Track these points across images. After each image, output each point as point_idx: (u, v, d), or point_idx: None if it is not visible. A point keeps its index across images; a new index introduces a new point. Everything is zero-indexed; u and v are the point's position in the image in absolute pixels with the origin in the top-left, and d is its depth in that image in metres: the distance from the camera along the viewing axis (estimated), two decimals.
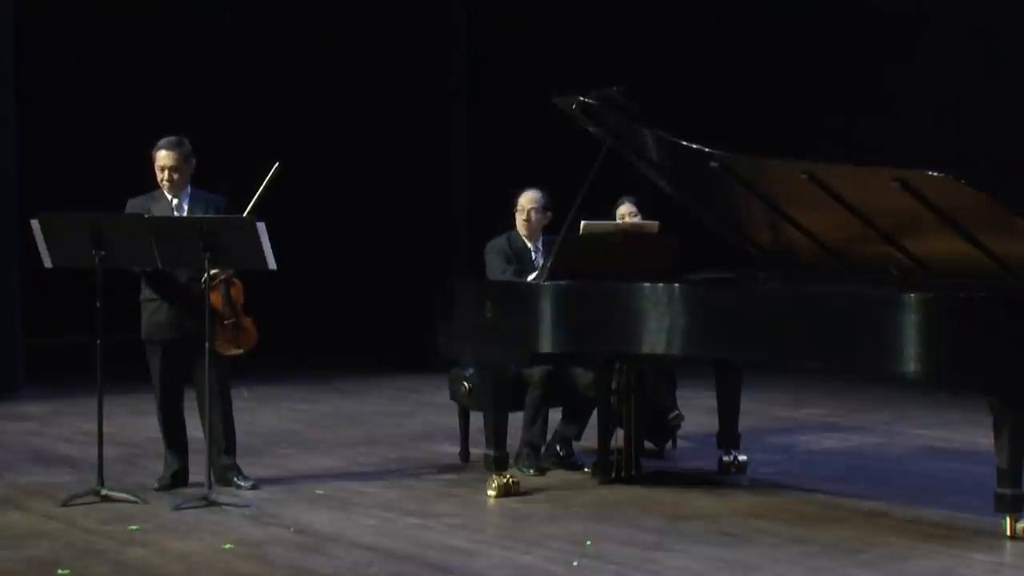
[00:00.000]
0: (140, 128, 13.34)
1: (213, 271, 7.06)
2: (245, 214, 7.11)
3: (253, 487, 7.37)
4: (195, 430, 7.51)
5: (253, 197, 7.19)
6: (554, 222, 7.89)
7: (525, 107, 13.41)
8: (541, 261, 7.93)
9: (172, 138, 7.41)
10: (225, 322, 7.26)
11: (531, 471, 7.71)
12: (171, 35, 13.45)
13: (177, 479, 7.43)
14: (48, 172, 12.49)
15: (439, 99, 12.99)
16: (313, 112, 14.42)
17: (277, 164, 7.17)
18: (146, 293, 7.39)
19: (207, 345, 7.02)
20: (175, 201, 7.34)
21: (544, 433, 7.96)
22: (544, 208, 8.02)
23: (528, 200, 8.01)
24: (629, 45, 13.97)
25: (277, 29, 14.35)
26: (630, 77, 9.63)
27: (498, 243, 8.02)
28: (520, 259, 7.97)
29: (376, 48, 13.54)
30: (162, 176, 7.33)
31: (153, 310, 7.36)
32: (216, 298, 7.19)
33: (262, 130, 13.45)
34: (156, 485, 7.37)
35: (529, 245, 8.00)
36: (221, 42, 13.65)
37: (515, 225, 8.05)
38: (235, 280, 7.33)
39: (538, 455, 7.86)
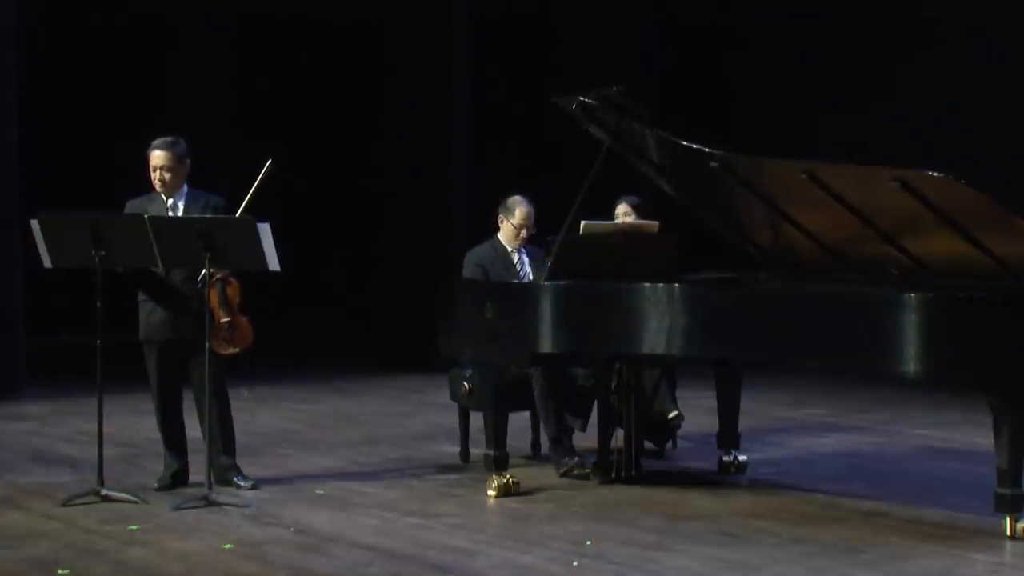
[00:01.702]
0: (141, 128, 13.38)
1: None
2: (239, 212, 7.10)
3: (253, 487, 7.37)
4: (194, 430, 7.51)
5: (247, 195, 7.19)
6: (554, 222, 7.88)
7: (525, 107, 13.42)
8: (526, 262, 7.95)
9: (167, 138, 7.39)
10: (221, 321, 7.25)
11: (562, 469, 7.65)
12: (171, 35, 13.47)
13: (177, 479, 7.43)
14: (48, 172, 12.50)
15: (439, 99, 12.98)
16: (313, 112, 14.43)
17: (270, 161, 7.17)
18: (141, 294, 7.39)
19: (206, 344, 7.03)
20: (170, 201, 7.34)
21: (563, 424, 7.84)
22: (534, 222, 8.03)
23: (527, 216, 7.94)
24: (629, 45, 13.97)
25: (277, 29, 14.36)
26: (630, 77, 9.63)
27: (477, 253, 8.01)
28: (505, 264, 7.94)
29: (376, 48, 13.53)
30: (155, 176, 7.32)
31: (149, 310, 7.36)
32: (212, 297, 7.18)
33: (262, 130, 13.46)
34: (156, 485, 7.37)
35: (510, 249, 7.99)
36: (221, 42, 13.66)
37: (499, 230, 8.03)
38: (231, 279, 7.33)
39: (564, 447, 7.79)
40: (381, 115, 13.51)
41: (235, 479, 7.41)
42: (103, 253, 6.98)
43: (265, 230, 6.87)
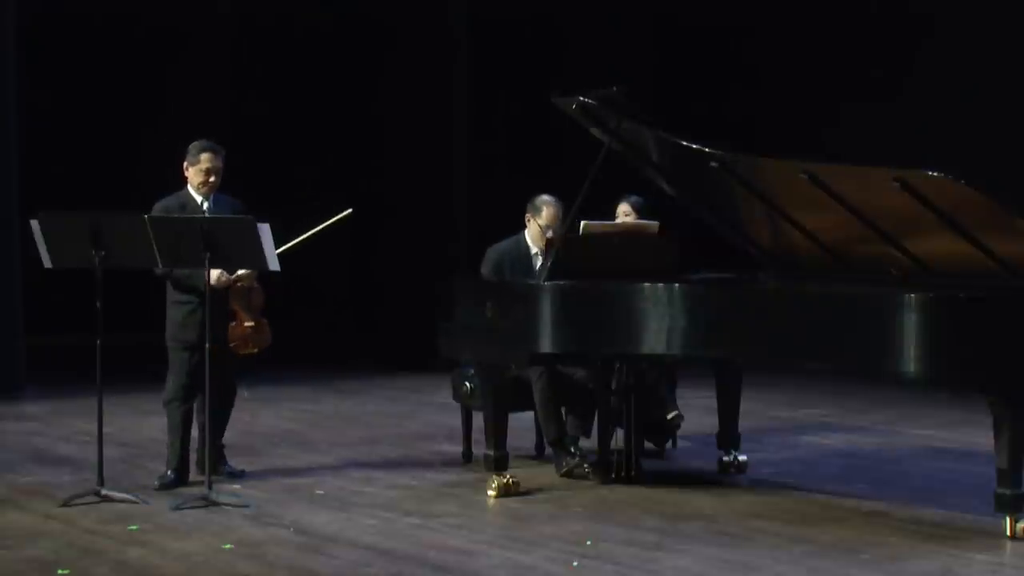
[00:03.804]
0: (141, 129, 13.40)
1: (240, 272, 7.31)
2: (293, 243, 7.37)
3: (241, 473, 7.60)
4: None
5: (310, 231, 7.45)
6: None
7: (525, 107, 13.42)
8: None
9: (209, 141, 7.53)
10: (245, 324, 7.40)
11: (564, 467, 7.67)
12: (172, 35, 13.47)
13: (179, 478, 7.44)
14: (48, 172, 12.50)
15: (439, 99, 12.99)
16: (313, 112, 14.42)
17: (350, 211, 7.25)
18: (176, 295, 7.42)
19: (208, 345, 7.06)
20: (205, 204, 7.44)
21: (563, 426, 7.82)
22: (563, 222, 7.96)
23: (553, 217, 7.87)
24: (629, 45, 13.97)
25: (277, 30, 14.36)
26: (630, 77, 9.63)
27: (499, 249, 8.00)
28: (524, 263, 7.95)
29: (376, 49, 13.54)
30: (206, 178, 7.44)
31: (188, 312, 7.35)
32: (236, 299, 7.37)
33: (262, 131, 13.45)
34: (156, 484, 7.37)
35: (535, 249, 7.99)
36: (221, 43, 13.67)
37: (525, 227, 8.00)
38: (256, 285, 7.49)
39: (564, 449, 7.77)
40: (381, 116, 13.51)
41: (224, 466, 7.59)
42: (103, 253, 6.99)
43: (265, 230, 6.90)
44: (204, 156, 7.44)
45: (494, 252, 8.02)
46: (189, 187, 7.50)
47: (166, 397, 7.52)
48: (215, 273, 7.27)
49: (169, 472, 7.44)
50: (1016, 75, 11.78)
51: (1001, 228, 6.35)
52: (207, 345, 7.09)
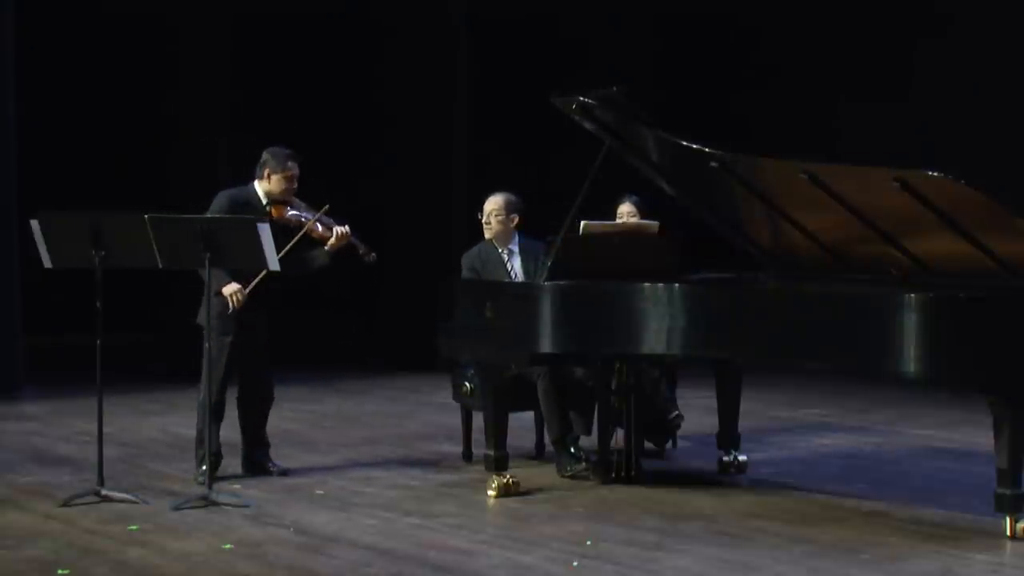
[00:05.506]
0: (140, 128, 13.39)
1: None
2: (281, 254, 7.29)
3: (283, 472, 7.73)
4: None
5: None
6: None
7: (525, 108, 13.40)
8: (517, 263, 7.99)
9: (289, 149, 7.67)
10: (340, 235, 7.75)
11: (568, 471, 7.66)
12: (172, 33, 13.47)
13: (217, 464, 7.48)
14: (49, 172, 12.50)
15: (439, 98, 12.98)
16: (313, 112, 14.42)
17: (327, 206, 7.43)
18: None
19: (207, 344, 7.05)
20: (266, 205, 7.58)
21: (566, 425, 7.82)
22: (506, 212, 8.03)
23: (489, 205, 8.10)
24: (629, 44, 13.96)
25: (277, 29, 14.36)
26: (630, 77, 9.63)
27: (470, 254, 8.12)
28: (495, 264, 7.99)
29: (376, 49, 13.54)
30: (291, 185, 7.63)
31: (226, 303, 7.39)
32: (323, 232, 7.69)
33: (262, 131, 13.42)
34: (201, 479, 7.31)
35: (500, 250, 8.04)
36: (221, 42, 13.66)
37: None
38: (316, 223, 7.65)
39: (568, 449, 7.76)
40: (381, 115, 13.51)
41: (269, 465, 7.75)
42: (103, 253, 7.00)
43: (265, 230, 6.94)
44: (291, 164, 7.59)
45: (466, 258, 8.12)
46: (258, 187, 7.59)
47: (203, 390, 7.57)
48: (228, 290, 7.38)
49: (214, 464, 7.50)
50: (1017, 75, 11.78)
51: (1001, 228, 6.35)
52: (205, 344, 7.11)
